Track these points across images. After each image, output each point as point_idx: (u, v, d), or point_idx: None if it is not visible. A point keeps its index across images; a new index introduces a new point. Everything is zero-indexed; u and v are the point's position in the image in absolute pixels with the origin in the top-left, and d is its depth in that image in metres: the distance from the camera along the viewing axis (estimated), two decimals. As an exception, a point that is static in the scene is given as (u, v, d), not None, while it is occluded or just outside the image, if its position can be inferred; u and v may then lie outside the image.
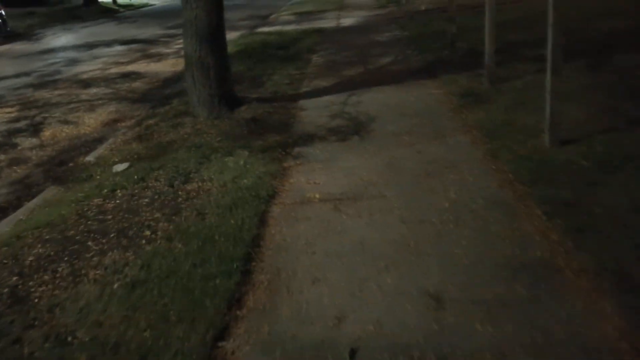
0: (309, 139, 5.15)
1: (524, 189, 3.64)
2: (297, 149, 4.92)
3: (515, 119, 4.99)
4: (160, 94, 8.06)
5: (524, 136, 4.53)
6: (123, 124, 6.67)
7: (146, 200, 4.03)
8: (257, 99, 6.40)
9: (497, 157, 4.25)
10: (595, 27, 8.53)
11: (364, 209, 3.63)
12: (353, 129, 5.31)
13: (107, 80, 9.37)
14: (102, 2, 28.85)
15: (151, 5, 29.06)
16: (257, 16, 18.38)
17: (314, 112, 5.96)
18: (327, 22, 14.08)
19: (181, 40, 13.56)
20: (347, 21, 14.08)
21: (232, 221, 3.49)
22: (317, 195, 3.90)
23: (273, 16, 17.57)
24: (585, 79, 5.82)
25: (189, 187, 4.24)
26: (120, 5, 28.23)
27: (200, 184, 4.29)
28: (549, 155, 4.08)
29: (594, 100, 5.11)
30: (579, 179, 3.62)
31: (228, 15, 19.51)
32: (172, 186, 4.28)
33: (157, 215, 3.72)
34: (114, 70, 10.27)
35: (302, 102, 6.35)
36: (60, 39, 16.40)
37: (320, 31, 12.26)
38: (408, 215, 3.49)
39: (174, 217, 3.64)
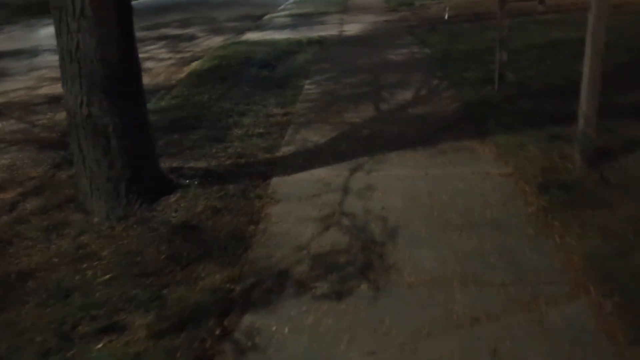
0: (274, 287, 2.72)
1: None
2: (247, 320, 2.50)
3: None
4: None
5: None
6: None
7: None
8: (206, 172, 3.95)
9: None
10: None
11: None
12: (359, 262, 2.88)
13: (26, 108, 6.92)
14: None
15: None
16: (250, 16, 15.91)
17: (294, 208, 3.52)
18: (328, 29, 11.62)
19: (150, 47, 11.03)
20: (352, 28, 11.62)
21: None
22: None
23: (267, 17, 15.12)
24: None
25: None
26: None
27: None
28: None
29: None
30: None
31: (216, 14, 17.20)
32: None
33: None
34: (45, 90, 7.80)
35: (277, 182, 3.90)
36: (8, 41, 13.85)
37: (318, 42, 9.80)
38: None
39: None
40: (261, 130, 5.04)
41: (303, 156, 4.35)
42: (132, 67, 3.28)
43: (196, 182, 3.67)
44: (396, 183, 3.75)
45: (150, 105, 6.60)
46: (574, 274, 2.67)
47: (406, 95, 5.96)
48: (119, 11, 3.06)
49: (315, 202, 3.55)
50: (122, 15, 3.10)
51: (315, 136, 4.81)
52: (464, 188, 3.62)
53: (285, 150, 4.51)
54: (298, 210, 3.46)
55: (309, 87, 6.63)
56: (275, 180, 3.89)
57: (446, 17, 10.97)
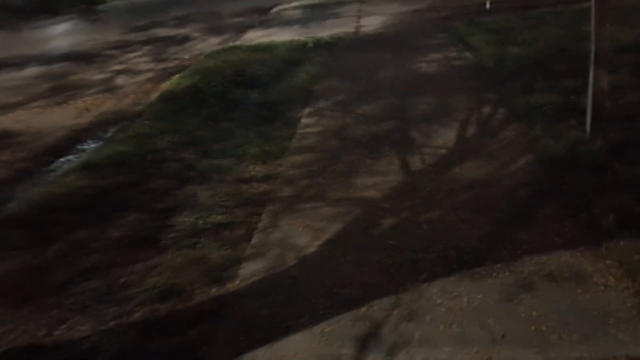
0: None
1: None
2: None
3: None
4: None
5: None
6: None
7: None
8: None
9: None
10: None
11: None
12: None
13: None
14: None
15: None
16: (258, 9, 14.02)
17: None
18: (342, 24, 9.64)
19: (132, 54, 9.56)
20: (372, 22, 9.61)
21: None
22: None
23: (275, 10, 13.20)
24: None
25: None
26: (112, -7, 23.95)
27: None
28: None
29: None
30: None
31: (221, 8, 15.34)
32: None
33: None
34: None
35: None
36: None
37: (329, 45, 7.84)
38: None
39: None
40: (221, 218, 3.18)
41: (275, 292, 2.46)
42: None
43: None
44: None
45: (85, 155, 4.81)
46: None
47: (447, 138, 4.00)
48: None
49: None
50: None
51: (303, 235, 2.91)
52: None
53: (246, 274, 2.62)
54: None
55: (308, 122, 4.73)
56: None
57: (487, 6, 8.84)
